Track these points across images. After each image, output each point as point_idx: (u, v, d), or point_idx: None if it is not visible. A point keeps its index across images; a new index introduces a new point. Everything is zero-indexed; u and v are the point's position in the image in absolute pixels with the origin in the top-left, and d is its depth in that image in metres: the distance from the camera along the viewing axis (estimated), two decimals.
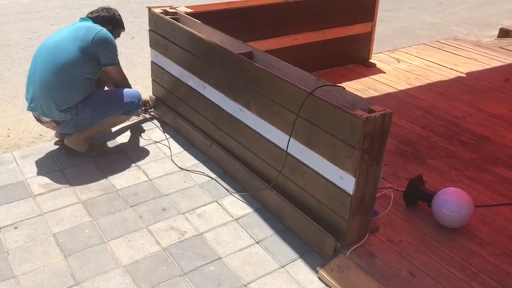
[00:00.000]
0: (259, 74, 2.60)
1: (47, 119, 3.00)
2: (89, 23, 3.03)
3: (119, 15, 3.24)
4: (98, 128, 3.14)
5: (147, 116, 3.67)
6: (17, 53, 5.24)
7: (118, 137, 3.41)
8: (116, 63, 3.08)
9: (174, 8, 3.53)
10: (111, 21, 3.16)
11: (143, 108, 3.64)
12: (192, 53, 3.12)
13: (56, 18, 6.55)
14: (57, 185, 2.86)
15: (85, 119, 3.01)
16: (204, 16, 3.47)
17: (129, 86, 3.27)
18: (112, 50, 3.02)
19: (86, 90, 2.98)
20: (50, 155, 3.17)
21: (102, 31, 2.99)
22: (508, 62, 5.16)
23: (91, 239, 2.47)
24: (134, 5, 7.38)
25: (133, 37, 5.94)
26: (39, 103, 2.93)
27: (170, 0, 4.04)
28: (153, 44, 3.53)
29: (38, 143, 3.43)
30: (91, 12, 3.14)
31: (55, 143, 3.27)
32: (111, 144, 3.32)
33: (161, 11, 3.44)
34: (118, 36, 3.27)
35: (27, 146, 3.40)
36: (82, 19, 3.08)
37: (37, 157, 3.13)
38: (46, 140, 3.46)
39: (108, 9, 3.17)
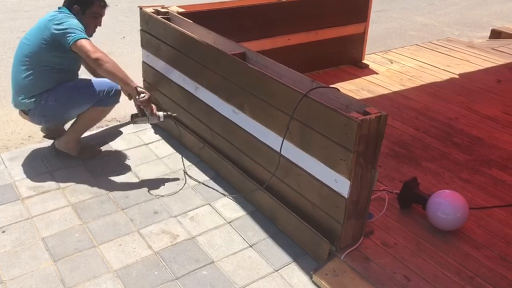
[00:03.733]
0: (253, 75, 2.56)
1: (18, 109, 3.00)
2: (56, 12, 2.84)
3: None
4: (81, 126, 3.03)
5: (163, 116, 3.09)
6: (5, 53, 5.16)
7: (109, 139, 3.36)
8: (77, 37, 2.69)
9: (166, 7, 3.49)
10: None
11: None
12: (184, 54, 3.07)
13: None
14: (46, 188, 2.81)
15: (50, 108, 2.87)
16: (197, 16, 3.43)
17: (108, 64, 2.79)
18: (68, 28, 2.71)
19: (54, 80, 2.87)
20: (39, 156, 3.11)
21: (59, 15, 2.78)
22: (500, 63, 5.17)
23: (81, 243, 2.42)
24: (125, 4, 7.31)
25: (124, 37, 5.89)
26: (13, 93, 2.95)
27: None
28: (145, 44, 3.48)
29: (27, 145, 3.37)
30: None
31: (44, 137, 3.23)
32: (101, 145, 3.27)
33: (153, 10, 3.39)
34: (98, 12, 2.95)
35: (16, 147, 3.34)
36: (58, 8, 2.92)
37: (26, 159, 3.08)
38: (35, 141, 3.40)
39: None
